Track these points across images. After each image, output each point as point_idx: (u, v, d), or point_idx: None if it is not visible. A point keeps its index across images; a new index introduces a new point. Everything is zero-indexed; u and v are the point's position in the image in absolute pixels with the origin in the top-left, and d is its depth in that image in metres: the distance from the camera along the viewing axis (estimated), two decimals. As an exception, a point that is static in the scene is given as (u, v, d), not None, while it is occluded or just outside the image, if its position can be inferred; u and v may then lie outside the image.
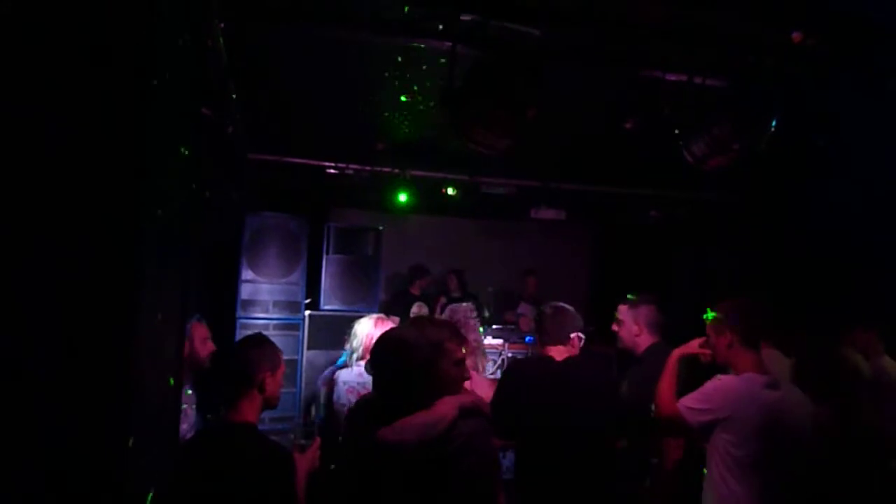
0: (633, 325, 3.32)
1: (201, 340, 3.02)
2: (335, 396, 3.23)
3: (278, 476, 2.08)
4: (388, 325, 3.30)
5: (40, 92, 1.42)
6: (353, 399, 3.11)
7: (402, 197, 5.97)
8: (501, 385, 2.96)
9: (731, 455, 2.36)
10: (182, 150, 1.93)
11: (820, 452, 2.45)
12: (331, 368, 4.07)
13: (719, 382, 2.47)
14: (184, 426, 2.85)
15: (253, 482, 2.03)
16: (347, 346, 3.86)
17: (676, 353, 2.75)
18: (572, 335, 2.99)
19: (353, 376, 3.22)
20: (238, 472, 2.05)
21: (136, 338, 1.40)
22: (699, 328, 2.92)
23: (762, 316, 2.57)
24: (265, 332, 4.85)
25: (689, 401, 2.47)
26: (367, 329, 3.30)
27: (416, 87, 3.85)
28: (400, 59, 3.50)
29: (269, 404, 2.28)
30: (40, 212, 1.37)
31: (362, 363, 3.23)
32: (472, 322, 3.23)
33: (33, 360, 1.33)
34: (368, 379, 3.06)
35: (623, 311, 3.37)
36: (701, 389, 2.48)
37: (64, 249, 1.37)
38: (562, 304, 3.13)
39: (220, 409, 2.30)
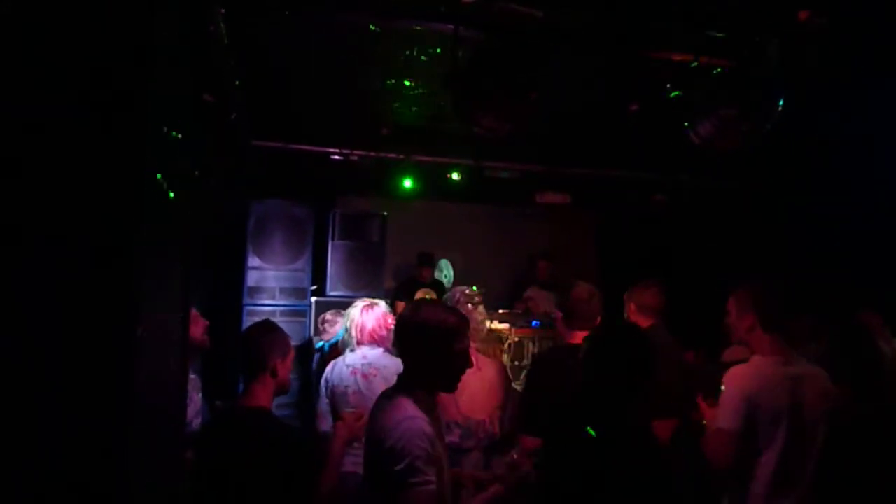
0: (628, 308, 3.45)
1: (196, 321, 3.04)
2: (337, 379, 3.26)
3: (294, 458, 2.13)
4: (378, 309, 3.36)
5: (36, 83, 1.41)
6: (359, 380, 3.18)
7: (407, 182, 5.95)
8: (531, 380, 2.95)
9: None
10: (184, 137, 1.93)
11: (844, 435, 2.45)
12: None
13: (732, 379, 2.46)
14: (190, 412, 2.87)
15: (270, 465, 2.08)
16: (325, 336, 3.99)
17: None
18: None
19: (357, 359, 3.26)
20: (255, 456, 2.10)
21: (137, 330, 1.41)
22: (702, 312, 2.91)
23: (783, 301, 2.54)
24: (272, 319, 4.91)
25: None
26: (354, 317, 3.34)
27: (419, 71, 3.82)
28: (403, 42, 3.48)
29: (282, 389, 2.34)
30: (37, 203, 1.37)
31: (363, 348, 3.28)
32: (470, 306, 3.19)
33: (32, 353, 1.34)
34: (373, 360, 3.20)
35: (625, 296, 3.50)
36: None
37: (62, 241, 1.37)
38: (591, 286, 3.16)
39: (228, 394, 2.34)
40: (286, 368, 2.34)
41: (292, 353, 2.41)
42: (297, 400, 4.88)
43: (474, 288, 3.52)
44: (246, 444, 2.13)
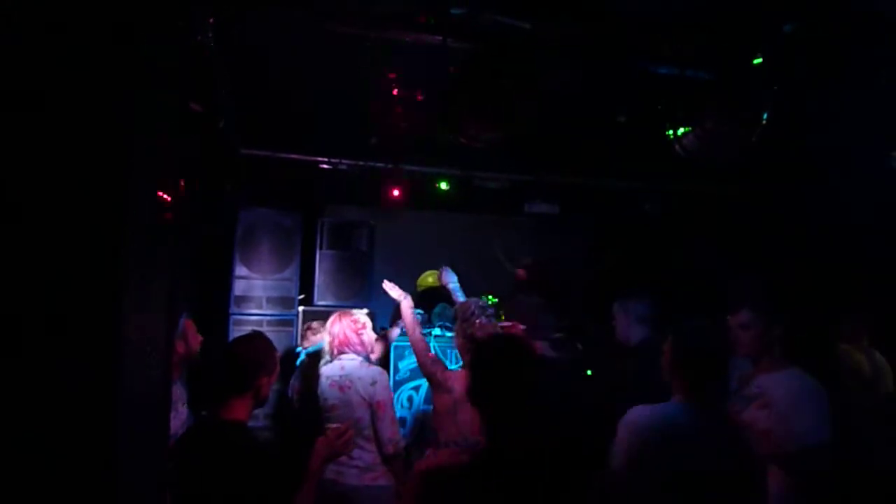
0: (623, 319, 3.39)
1: (193, 334, 3.01)
2: (319, 391, 3.31)
3: (267, 476, 2.08)
4: (347, 318, 3.40)
5: (25, 88, 1.40)
6: (337, 393, 3.21)
7: (396, 192, 5.95)
8: None
9: None
10: (171, 145, 1.92)
11: None
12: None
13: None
14: (176, 423, 2.83)
15: (242, 481, 2.03)
16: (305, 343, 4.14)
17: None
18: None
19: (336, 370, 3.29)
20: (228, 472, 2.05)
21: (122, 338, 1.39)
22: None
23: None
24: (259, 329, 4.87)
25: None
26: (327, 327, 3.42)
27: (408, 81, 3.83)
28: (392, 52, 3.48)
29: (260, 403, 2.29)
30: (23, 209, 1.36)
31: (343, 358, 3.31)
32: (484, 318, 3.16)
33: (17, 360, 1.32)
34: (350, 371, 3.23)
35: (616, 307, 3.45)
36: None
37: (48, 248, 1.36)
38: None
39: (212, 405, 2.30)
40: (269, 385, 2.29)
41: (278, 369, 2.36)
42: (275, 412, 4.83)
43: (490, 299, 3.49)
44: (219, 459, 2.08)
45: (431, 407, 3.43)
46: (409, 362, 5.15)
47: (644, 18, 3.02)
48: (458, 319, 3.26)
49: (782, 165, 5.03)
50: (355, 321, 3.39)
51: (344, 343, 3.31)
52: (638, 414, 2.12)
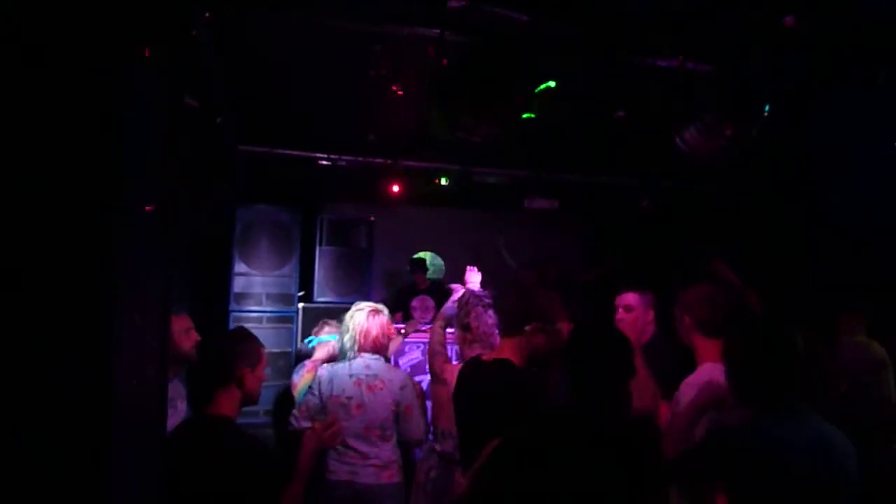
0: (645, 314, 3.23)
1: (182, 332, 2.98)
2: (338, 389, 3.14)
3: (254, 470, 2.05)
4: (382, 316, 3.28)
5: (15, 83, 1.39)
6: (364, 391, 3.10)
7: (395, 188, 5.94)
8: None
9: None
10: (166, 142, 1.90)
11: None
12: (302, 363, 4.03)
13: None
14: (174, 420, 2.82)
15: (228, 475, 2.01)
16: (315, 334, 3.96)
17: None
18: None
19: (360, 368, 3.17)
20: (213, 466, 2.03)
21: (115, 337, 1.38)
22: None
23: (720, 306, 2.45)
24: (258, 326, 4.84)
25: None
26: (360, 321, 3.24)
27: (405, 75, 3.81)
28: (389, 46, 3.46)
29: (249, 400, 2.25)
30: (16, 204, 1.34)
31: (365, 356, 3.20)
32: (480, 308, 3.06)
33: (10, 359, 1.31)
34: (378, 372, 3.14)
35: (635, 298, 3.26)
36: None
37: (40, 244, 1.35)
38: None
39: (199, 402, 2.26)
40: (255, 379, 2.25)
41: (263, 363, 2.31)
42: (274, 408, 4.81)
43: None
44: (204, 456, 2.05)
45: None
46: (409, 359, 5.15)
47: (644, 13, 3.00)
48: (456, 309, 3.21)
49: (782, 165, 5.01)
50: (389, 323, 3.31)
51: (375, 341, 3.20)
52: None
